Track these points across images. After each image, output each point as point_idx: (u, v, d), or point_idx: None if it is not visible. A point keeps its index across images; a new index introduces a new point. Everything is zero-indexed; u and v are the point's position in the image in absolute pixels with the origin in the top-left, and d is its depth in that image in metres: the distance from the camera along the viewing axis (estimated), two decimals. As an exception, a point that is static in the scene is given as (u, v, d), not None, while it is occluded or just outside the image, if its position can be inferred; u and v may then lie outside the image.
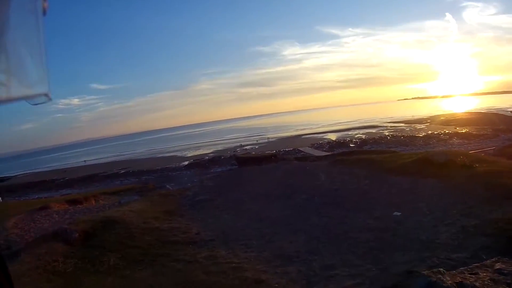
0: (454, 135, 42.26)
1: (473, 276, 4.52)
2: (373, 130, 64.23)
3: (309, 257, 7.57)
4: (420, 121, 74.24)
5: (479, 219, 8.06)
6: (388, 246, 7.62)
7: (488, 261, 5.03)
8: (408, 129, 62.15)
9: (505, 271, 4.58)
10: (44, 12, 0.79)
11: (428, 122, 70.66)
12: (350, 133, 64.66)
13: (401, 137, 46.40)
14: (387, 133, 54.70)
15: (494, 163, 13.54)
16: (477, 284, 4.26)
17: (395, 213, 9.81)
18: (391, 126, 70.80)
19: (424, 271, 4.69)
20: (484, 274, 4.56)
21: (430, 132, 50.32)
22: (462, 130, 47.45)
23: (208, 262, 7.62)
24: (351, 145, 45.06)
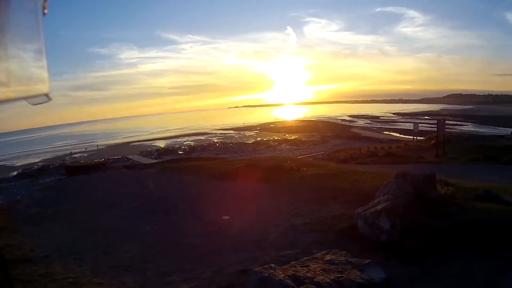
0: (284, 141, 46.95)
1: (305, 268, 4.67)
2: (202, 137, 67.75)
3: (144, 265, 7.67)
4: (249, 128, 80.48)
5: (307, 218, 8.87)
6: (220, 249, 7.95)
7: (318, 254, 5.34)
8: (237, 136, 66.91)
9: (336, 261, 4.86)
10: (44, 12, 0.83)
11: (258, 129, 77.28)
12: (179, 140, 67.14)
13: (230, 144, 49.67)
14: (216, 140, 58.22)
15: (321, 167, 15.46)
16: (309, 275, 4.41)
17: (225, 217, 10.31)
18: (220, 133, 75.07)
19: (256, 268, 4.82)
20: (316, 265, 4.75)
21: (259, 139, 54.79)
22: (291, 137, 53.05)
23: (45, 280, 7.31)
24: (179, 152, 46.92)
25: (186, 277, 6.77)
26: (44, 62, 0.82)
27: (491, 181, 11.88)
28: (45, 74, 0.83)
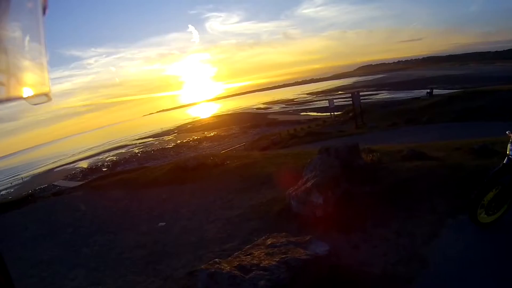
0: (204, 139, 46.85)
1: (249, 256, 4.64)
2: (123, 150, 66.16)
3: None
4: (168, 132, 79.46)
5: (241, 208, 8.95)
6: (162, 256, 7.86)
7: (259, 240, 5.36)
8: (157, 142, 66.00)
9: (278, 244, 4.88)
10: (44, 12, 0.82)
11: (176, 132, 76.51)
12: (100, 157, 65.23)
13: (151, 151, 49.11)
14: (137, 150, 57.11)
15: (244, 157, 15.64)
16: (254, 261, 4.40)
17: (160, 223, 10.16)
18: (140, 143, 73.56)
19: (202, 266, 4.76)
20: (259, 252, 4.74)
21: (179, 141, 54.36)
22: (210, 133, 53.01)
23: None
24: (103, 169, 45.87)
25: None
26: (44, 62, 0.81)
27: (417, 142, 12.71)
28: (45, 74, 0.81)
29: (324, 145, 9.61)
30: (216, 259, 4.69)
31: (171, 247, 8.21)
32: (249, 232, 7.18)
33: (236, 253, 5.08)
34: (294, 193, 7.23)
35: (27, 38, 0.77)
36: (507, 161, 5.16)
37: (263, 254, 4.69)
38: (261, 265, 4.35)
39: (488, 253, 4.75)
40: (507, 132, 5.33)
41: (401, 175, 7.41)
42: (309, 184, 7.01)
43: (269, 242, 5.10)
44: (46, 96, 0.82)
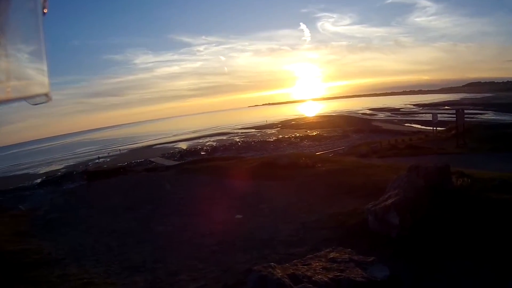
0: (305, 137, 46.57)
1: (306, 266, 4.60)
2: (224, 137, 68.01)
3: (155, 265, 7.93)
4: (271, 126, 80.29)
5: (319, 215, 8.80)
6: (230, 248, 8.05)
7: (322, 252, 5.22)
8: (259, 134, 66.83)
9: (339, 259, 4.75)
10: (44, 12, 0.82)
11: (279, 127, 77.09)
12: (201, 141, 67.72)
13: (252, 142, 49.63)
14: (238, 139, 58.33)
15: (336, 162, 15.33)
16: (308, 273, 4.34)
17: (237, 216, 10.32)
18: (242, 132, 75.17)
19: (255, 267, 4.78)
20: (317, 264, 4.67)
21: (281, 136, 54.57)
22: (313, 132, 52.65)
23: (60, 281, 7.77)
24: (202, 153, 47.22)
25: (194, 276, 6.94)
26: (44, 62, 0.82)
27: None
28: (44, 74, 0.82)
29: (422, 161, 9.09)
30: (272, 263, 4.72)
31: (241, 241, 8.36)
32: (320, 240, 7.04)
33: (296, 260, 5.02)
34: (373, 208, 6.91)
35: (27, 38, 0.78)
36: None
37: (320, 267, 4.62)
38: (313, 278, 4.29)
39: None
40: None
41: (486, 208, 6.66)
42: (389, 201, 6.65)
43: (331, 256, 4.98)
44: (46, 96, 0.83)
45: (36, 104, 0.86)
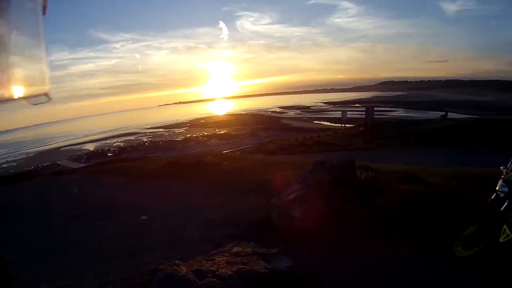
0: (213, 136, 46.82)
1: (210, 262, 4.69)
2: (132, 138, 66.62)
3: (59, 273, 7.32)
4: (179, 125, 79.75)
5: (223, 212, 8.94)
6: (135, 249, 7.88)
7: (226, 247, 5.36)
8: (167, 134, 66.23)
9: (242, 253, 4.91)
10: (44, 12, 0.81)
11: (188, 126, 76.82)
12: (109, 141, 65.84)
13: (159, 142, 49.23)
14: (145, 140, 57.60)
15: (243, 160, 15.74)
16: (212, 268, 4.43)
17: (142, 217, 10.16)
18: (150, 132, 74.14)
19: (161, 266, 4.76)
20: (221, 258, 4.78)
21: (189, 135, 54.51)
22: (221, 131, 53.10)
23: None
24: (109, 154, 46.20)
25: (101, 281, 6.47)
26: (44, 62, 0.81)
27: (421, 164, 12.53)
28: (44, 74, 0.82)
29: (330, 157, 9.52)
30: (176, 261, 4.71)
31: (146, 242, 8.25)
32: (224, 236, 7.09)
33: (200, 257, 5.06)
34: (276, 203, 7.15)
35: (28, 38, 0.78)
36: (494, 198, 5.01)
37: (223, 262, 4.71)
38: (217, 272, 4.36)
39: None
40: (501, 167, 5.16)
41: (388, 198, 7.26)
42: (292, 196, 6.94)
43: (234, 250, 5.10)
44: (46, 96, 0.83)
45: (36, 104, 0.86)
